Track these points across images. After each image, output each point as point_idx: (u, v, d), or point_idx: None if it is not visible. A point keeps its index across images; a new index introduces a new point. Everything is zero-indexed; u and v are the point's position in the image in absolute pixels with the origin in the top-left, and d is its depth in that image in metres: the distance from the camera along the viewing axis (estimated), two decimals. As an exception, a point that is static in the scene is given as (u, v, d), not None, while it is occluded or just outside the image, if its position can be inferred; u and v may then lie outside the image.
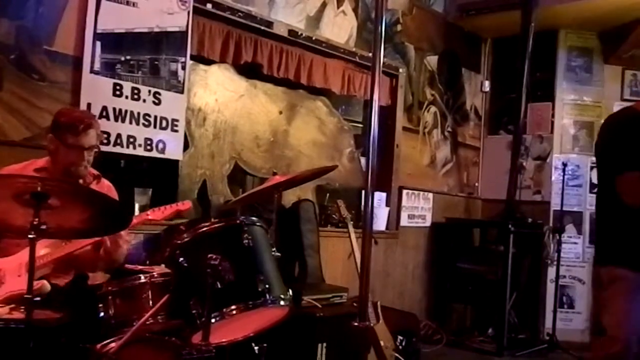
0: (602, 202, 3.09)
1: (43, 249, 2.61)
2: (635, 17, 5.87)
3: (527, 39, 5.86)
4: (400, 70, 5.85)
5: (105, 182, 3.04)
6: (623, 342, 2.81)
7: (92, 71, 3.60)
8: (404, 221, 5.96)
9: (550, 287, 6.04)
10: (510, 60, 6.24)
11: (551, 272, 6.01)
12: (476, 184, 7.00)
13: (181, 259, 2.51)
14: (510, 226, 5.62)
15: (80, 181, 2.85)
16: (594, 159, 3.15)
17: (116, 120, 3.69)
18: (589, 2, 5.70)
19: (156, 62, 3.91)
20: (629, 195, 2.83)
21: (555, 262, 5.90)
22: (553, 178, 6.39)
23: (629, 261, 2.87)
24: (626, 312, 2.84)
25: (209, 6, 4.22)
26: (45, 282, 2.55)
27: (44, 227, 2.06)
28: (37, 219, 2.04)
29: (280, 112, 5.36)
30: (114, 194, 3.00)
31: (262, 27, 4.58)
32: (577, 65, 6.49)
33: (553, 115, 6.47)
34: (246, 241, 2.56)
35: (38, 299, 2.16)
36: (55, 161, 2.83)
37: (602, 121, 3.16)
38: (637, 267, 2.85)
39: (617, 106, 6.14)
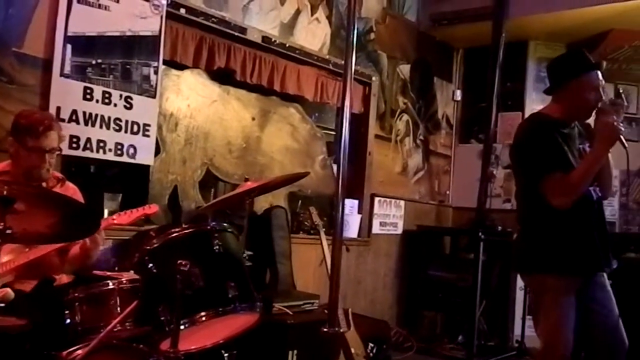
0: (525, 210, 3.10)
1: (5, 255, 2.56)
2: (602, 29, 5.99)
3: (498, 50, 5.94)
4: (373, 78, 5.89)
5: (70, 185, 3.00)
6: (563, 348, 2.85)
7: (62, 74, 3.55)
8: (376, 228, 5.98)
9: (520, 295, 6.09)
10: (481, 70, 6.31)
11: (520, 279, 6.07)
12: (447, 192, 7.06)
13: (150, 264, 2.49)
14: (480, 234, 5.67)
15: (44, 184, 2.81)
16: (517, 169, 3.19)
17: (86, 124, 3.65)
18: (558, 15, 5.80)
19: (128, 66, 3.87)
20: (555, 195, 2.85)
21: (524, 270, 5.95)
22: (522, 187, 6.45)
23: (556, 267, 2.90)
24: (561, 319, 2.87)
25: (182, 11, 4.20)
26: (8, 290, 2.51)
27: (9, 231, 2.03)
28: (2, 224, 2.01)
29: (253, 119, 5.35)
30: (79, 196, 2.95)
31: (236, 33, 4.57)
32: (546, 76, 6.57)
33: (523, 125, 6.55)
34: (217, 247, 2.55)
35: (2, 304, 2.12)
36: (16, 164, 2.78)
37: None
38: (565, 272, 2.89)
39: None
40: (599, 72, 2.95)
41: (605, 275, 3.01)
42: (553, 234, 2.92)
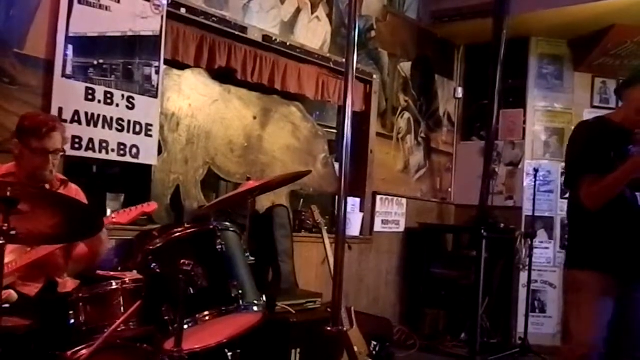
0: (569, 206, 3.15)
1: (7, 256, 2.57)
2: (604, 25, 5.98)
3: (499, 46, 5.93)
4: (374, 76, 5.89)
5: (73, 186, 3.01)
6: (589, 347, 2.85)
7: (64, 75, 3.55)
8: (378, 226, 5.98)
9: (522, 292, 6.10)
10: (482, 67, 6.30)
11: (523, 276, 6.07)
12: (449, 190, 7.06)
13: (154, 264, 2.50)
14: (482, 231, 5.66)
15: (47, 186, 2.82)
16: (564, 164, 3.24)
17: (88, 124, 3.65)
18: (559, 11, 5.79)
19: (129, 67, 3.87)
20: (585, 197, 2.89)
21: (527, 267, 5.96)
22: (525, 184, 6.47)
23: (592, 264, 2.92)
24: (592, 316, 2.88)
25: (182, 11, 4.20)
26: (11, 292, 2.51)
27: (13, 232, 2.03)
28: (6, 225, 2.01)
29: (255, 118, 5.34)
30: (82, 197, 2.96)
31: (237, 32, 4.57)
32: (548, 73, 6.59)
33: (525, 122, 6.56)
34: (219, 247, 2.56)
35: (7, 305, 2.12)
36: (20, 166, 2.79)
37: (573, 127, 3.23)
38: (600, 269, 2.90)
39: (587, 113, 6.29)
40: None
41: None
42: (589, 232, 2.97)
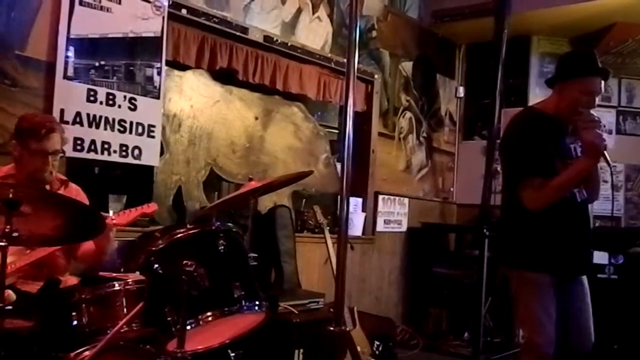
0: (507, 205, 3.11)
1: (7, 257, 2.57)
2: (605, 24, 5.98)
3: (501, 45, 5.90)
4: (376, 76, 5.89)
5: (73, 186, 3.01)
6: (540, 346, 2.84)
7: (65, 77, 3.56)
8: (380, 226, 5.98)
9: (525, 291, 6.08)
10: (484, 66, 6.28)
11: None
12: (451, 189, 7.06)
13: (156, 265, 2.49)
14: (485, 231, 5.63)
15: (47, 187, 2.81)
16: (501, 163, 3.20)
17: (90, 126, 3.66)
18: (560, 9, 5.79)
19: (131, 68, 3.88)
20: (529, 200, 2.87)
21: (529, 266, 5.94)
22: (527, 183, 6.45)
23: (536, 264, 2.90)
24: (538, 314, 2.87)
25: (183, 12, 4.21)
26: (10, 292, 2.51)
27: (15, 234, 2.03)
28: (8, 226, 2.01)
29: (256, 118, 5.35)
30: (82, 197, 2.96)
31: (238, 33, 4.58)
32: (549, 71, 6.55)
33: (526, 121, 6.54)
34: (222, 247, 2.56)
35: (10, 307, 2.12)
36: (20, 167, 2.79)
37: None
38: (543, 269, 2.89)
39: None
40: (601, 80, 2.93)
41: (584, 277, 3.01)
42: (531, 232, 2.95)
